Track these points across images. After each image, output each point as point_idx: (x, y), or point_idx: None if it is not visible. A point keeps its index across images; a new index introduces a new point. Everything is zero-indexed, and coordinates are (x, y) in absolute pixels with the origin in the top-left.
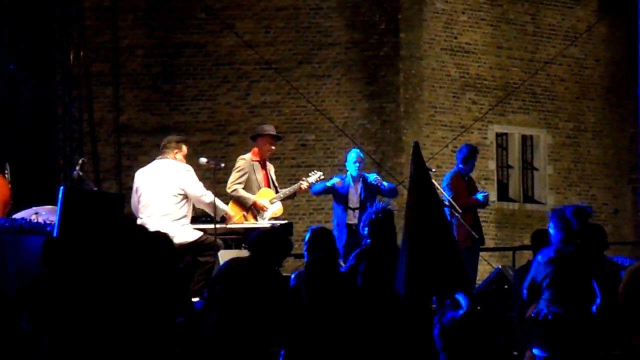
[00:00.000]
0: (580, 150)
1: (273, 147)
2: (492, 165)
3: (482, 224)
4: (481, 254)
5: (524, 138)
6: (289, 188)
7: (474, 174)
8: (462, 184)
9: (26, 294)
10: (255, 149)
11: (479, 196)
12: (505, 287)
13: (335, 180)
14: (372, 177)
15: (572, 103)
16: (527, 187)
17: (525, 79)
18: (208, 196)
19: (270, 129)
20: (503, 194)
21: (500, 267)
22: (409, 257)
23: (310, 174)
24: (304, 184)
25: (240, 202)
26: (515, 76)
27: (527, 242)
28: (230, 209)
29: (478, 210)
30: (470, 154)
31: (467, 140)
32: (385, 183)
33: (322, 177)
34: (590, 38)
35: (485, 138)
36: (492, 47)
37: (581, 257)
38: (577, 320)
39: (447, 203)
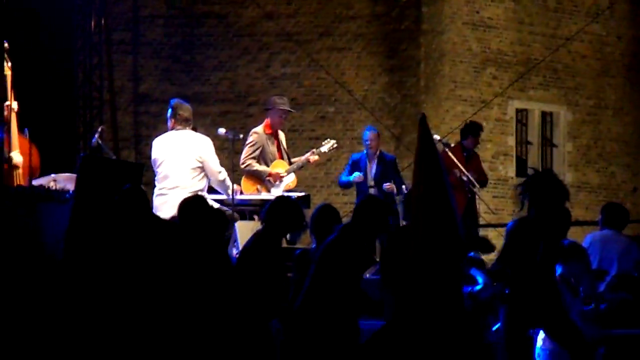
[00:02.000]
0: (600, 127)
1: (283, 120)
2: (511, 141)
3: (500, 199)
4: (498, 229)
5: (543, 114)
6: (301, 158)
7: (493, 149)
8: (451, 157)
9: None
10: (268, 121)
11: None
12: None
13: (356, 175)
14: (390, 158)
15: (592, 80)
16: (546, 164)
17: (546, 55)
18: (223, 173)
19: (282, 103)
20: (522, 170)
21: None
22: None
23: (323, 143)
24: (315, 156)
25: (253, 176)
26: (537, 52)
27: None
28: (243, 183)
29: (497, 185)
30: (468, 129)
31: (487, 115)
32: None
33: (335, 145)
34: (612, 15)
35: (505, 114)
36: (513, 22)
37: None
38: None
39: (464, 178)
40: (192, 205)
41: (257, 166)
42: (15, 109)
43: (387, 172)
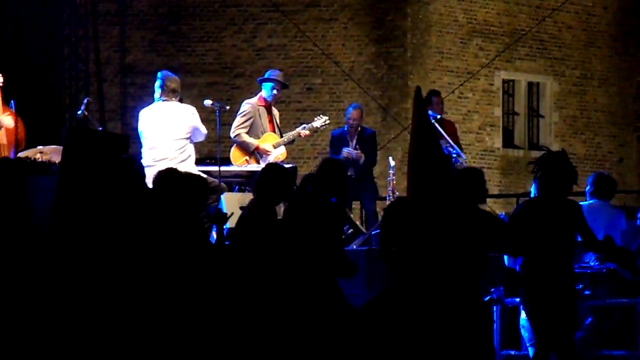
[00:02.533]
0: (586, 98)
1: (276, 93)
2: (498, 111)
3: (486, 170)
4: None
5: (530, 85)
6: (292, 132)
7: (479, 120)
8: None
9: None
10: (262, 94)
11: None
12: None
13: (345, 152)
14: (369, 132)
15: (579, 51)
16: (532, 134)
17: (532, 25)
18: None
19: (277, 75)
20: (508, 141)
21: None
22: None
23: (315, 119)
24: (305, 131)
25: (243, 147)
26: (523, 23)
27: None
28: (232, 153)
29: (484, 156)
30: (426, 97)
31: (474, 86)
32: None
33: (328, 122)
34: None
35: (492, 84)
36: None
37: None
38: None
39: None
40: (166, 178)
41: (245, 137)
42: (0, 82)
43: (363, 148)
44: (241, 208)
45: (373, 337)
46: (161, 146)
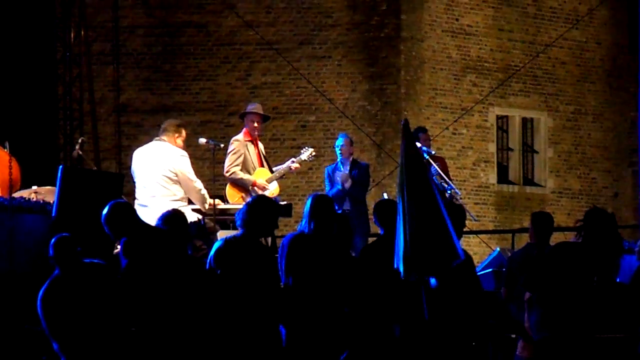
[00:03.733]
0: (581, 133)
1: (257, 125)
2: (492, 147)
3: (481, 206)
4: (480, 236)
5: (524, 120)
6: (282, 166)
7: (474, 156)
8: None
9: (43, 299)
10: (246, 129)
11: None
12: (504, 269)
13: (338, 175)
14: (364, 164)
15: (573, 86)
16: (527, 170)
17: (526, 61)
18: (199, 183)
19: (255, 107)
20: (503, 177)
21: (499, 249)
22: (405, 238)
23: (302, 152)
24: (295, 164)
25: (238, 185)
26: (517, 59)
27: (526, 224)
28: (228, 192)
29: (478, 192)
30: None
31: (468, 122)
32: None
33: (314, 153)
34: (592, 21)
35: (486, 120)
36: (493, 29)
37: None
38: None
39: (446, 185)
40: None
41: (241, 174)
42: None
43: (358, 177)
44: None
45: None
46: (150, 184)
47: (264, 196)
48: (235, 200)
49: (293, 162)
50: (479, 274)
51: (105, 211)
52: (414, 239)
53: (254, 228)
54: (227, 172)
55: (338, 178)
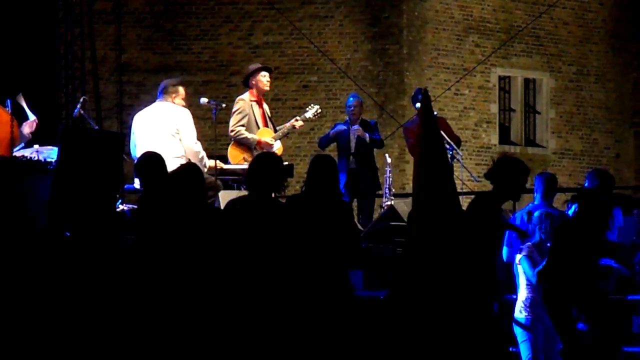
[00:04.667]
0: (583, 94)
1: (269, 80)
2: (494, 108)
3: (483, 167)
4: None
5: (526, 81)
6: (285, 125)
7: (476, 117)
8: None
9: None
10: (250, 90)
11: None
12: None
13: (339, 127)
14: (372, 122)
15: (575, 47)
16: (529, 131)
17: (528, 22)
18: (198, 145)
19: (255, 65)
20: (505, 137)
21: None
22: (417, 207)
23: (307, 109)
24: (299, 122)
25: (241, 145)
26: (519, 19)
27: (528, 185)
28: (230, 152)
29: (480, 153)
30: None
31: (470, 83)
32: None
33: (319, 110)
34: None
35: (488, 81)
36: None
37: None
38: None
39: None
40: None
41: (246, 134)
42: None
43: (367, 131)
44: (233, 201)
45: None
46: (152, 141)
47: (266, 153)
48: (238, 161)
49: (297, 119)
50: None
51: (137, 162)
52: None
53: (261, 186)
54: (231, 131)
55: (353, 134)
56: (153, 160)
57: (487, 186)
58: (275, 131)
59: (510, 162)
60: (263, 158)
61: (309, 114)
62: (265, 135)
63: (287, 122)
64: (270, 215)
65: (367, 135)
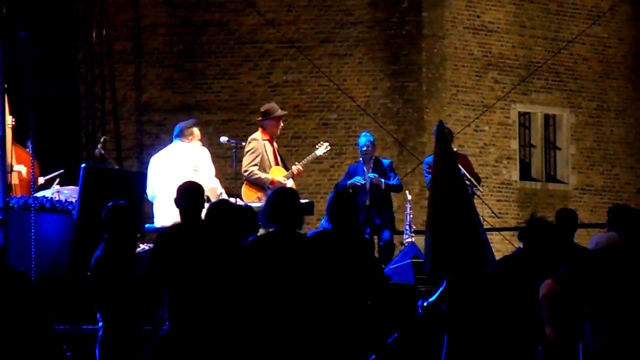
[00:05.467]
0: (603, 129)
1: (281, 126)
2: (514, 144)
3: (504, 203)
4: (503, 233)
5: (546, 117)
6: (295, 166)
7: (496, 153)
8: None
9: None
10: (262, 129)
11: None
12: None
13: (356, 179)
14: (386, 162)
15: (595, 82)
16: (549, 167)
17: (548, 58)
18: (216, 182)
19: (279, 111)
20: (525, 174)
21: (521, 247)
22: (432, 238)
23: (317, 147)
24: (299, 166)
25: (254, 185)
26: (538, 55)
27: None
28: (244, 191)
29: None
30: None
31: (490, 119)
32: (390, 181)
33: (329, 148)
34: (614, 17)
35: (508, 117)
36: (515, 25)
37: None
38: None
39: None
40: (219, 208)
41: (259, 174)
42: (11, 124)
43: (382, 176)
44: (258, 239)
45: None
46: (173, 181)
47: (283, 188)
48: (251, 200)
49: (296, 165)
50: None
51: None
52: (444, 241)
53: (285, 221)
54: (245, 171)
55: (367, 179)
56: (194, 189)
57: (508, 221)
58: (287, 169)
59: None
60: (283, 193)
61: (320, 151)
62: (277, 174)
63: (300, 162)
64: (300, 250)
65: (382, 182)
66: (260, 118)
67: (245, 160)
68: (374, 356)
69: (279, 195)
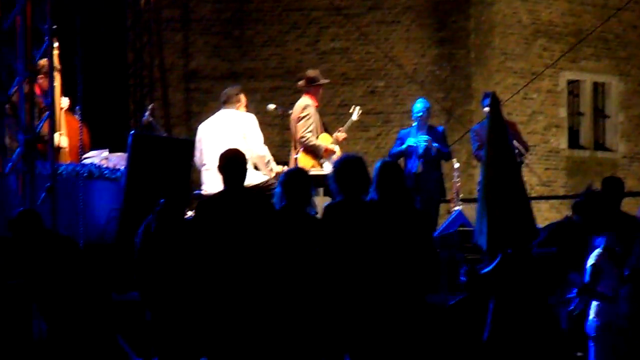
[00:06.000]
0: None
1: (321, 93)
2: (563, 112)
3: (552, 171)
4: (551, 201)
5: (595, 85)
6: (340, 133)
7: (544, 121)
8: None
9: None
10: (312, 95)
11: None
12: None
13: (410, 141)
14: (440, 129)
15: None
16: (598, 135)
17: (597, 25)
18: (264, 150)
19: (323, 79)
20: (574, 142)
21: (567, 216)
22: (488, 212)
23: (350, 112)
24: (342, 133)
25: (311, 151)
26: (587, 23)
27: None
28: (301, 159)
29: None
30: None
31: (538, 87)
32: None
33: (361, 110)
34: None
35: (557, 85)
36: None
37: None
38: None
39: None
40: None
41: (316, 141)
42: (65, 106)
43: (436, 142)
44: (331, 206)
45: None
46: (219, 149)
47: (350, 156)
48: (310, 167)
49: (340, 131)
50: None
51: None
52: (500, 216)
53: (353, 190)
54: (302, 137)
55: (420, 143)
56: (237, 156)
57: (556, 190)
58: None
59: (599, 198)
60: (350, 161)
61: (354, 116)
62: (326, 141)
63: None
64: (371, 219)
65: (434, 146)
66: (305, 84)
67: (302, 127)
68: None
69: (344, 164)
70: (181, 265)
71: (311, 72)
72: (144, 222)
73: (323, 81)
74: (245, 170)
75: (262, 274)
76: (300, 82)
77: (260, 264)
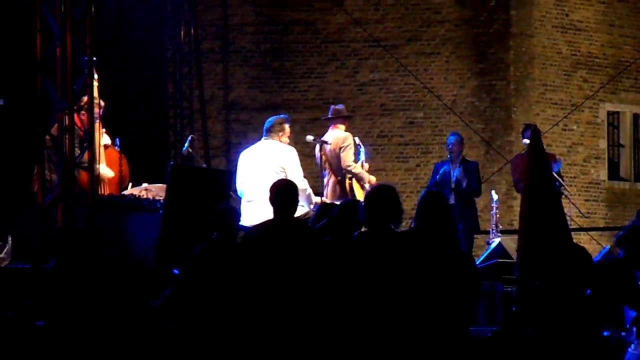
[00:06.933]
0: None
1: None
2: (603, 144)
3: (592, 203)
4: (591, 233)
5: (635, 116)
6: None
7: (584, 153)
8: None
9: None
10: (345, 127)
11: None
12: None
13: (459, 175)
14: (474, 164)
15: None
16: (638, 166)
17: (637, 56)
18: (304, 183)
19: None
20: (614, 173)
21: (608, 247)
22: (524, 242)
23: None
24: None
25: (359, 179)
26: (627, 54)
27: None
28: (356, 188)
29: (589, 189)
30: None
31: (578, 118)
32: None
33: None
34: None
35: (597, 116)
36: (603, 24)
37: None
38: None
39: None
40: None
41: (360, 169)
42: (107, 142)
43: (467, 176)
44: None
45: None
46: (260, 182)
47: (383, 185)
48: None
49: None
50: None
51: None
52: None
53: (382, 219)
54: (349, 166)
55: (452, 176)
56: (289, 187)
57: (596, 222)
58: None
59: None
60: (382, 190)
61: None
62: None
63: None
64: (393, 249)
65: (465, 180)
66: (344, 115)
67: (347, 156)
68: None
69: (376, 193)
70: (231, 295)
71: (342, 105)
72: (191, 252)
73: (349, 114)
74: (297, 201)
75: (317, 307)
76: (336, 117)
77: (315, 296)
